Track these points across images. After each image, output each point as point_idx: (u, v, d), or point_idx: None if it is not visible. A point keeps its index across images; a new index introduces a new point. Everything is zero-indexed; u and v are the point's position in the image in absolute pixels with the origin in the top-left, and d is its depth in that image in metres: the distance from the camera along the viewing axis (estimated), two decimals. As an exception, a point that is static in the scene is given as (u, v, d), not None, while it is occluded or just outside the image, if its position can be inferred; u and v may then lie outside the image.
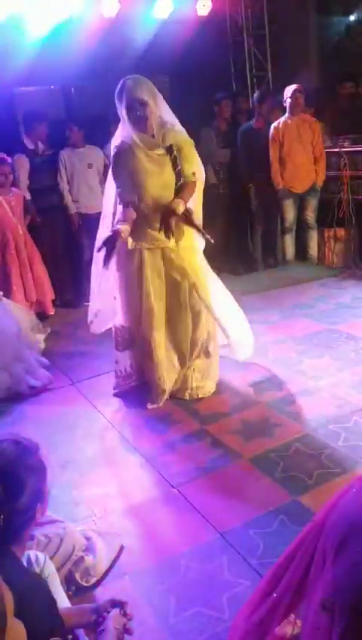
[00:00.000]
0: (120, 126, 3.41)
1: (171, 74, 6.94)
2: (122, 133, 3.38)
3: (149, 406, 3.59)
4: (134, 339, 3.63)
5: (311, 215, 6.23)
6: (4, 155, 4.95)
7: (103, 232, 3.52)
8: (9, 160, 4.97)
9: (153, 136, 3.33)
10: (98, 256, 3.45)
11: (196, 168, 3.50)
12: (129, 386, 3.79)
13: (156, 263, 3.45)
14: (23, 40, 5.65)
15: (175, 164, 3.37)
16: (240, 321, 3.90)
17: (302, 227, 6.33)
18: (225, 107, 6.50)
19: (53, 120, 6.05)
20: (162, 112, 3.36)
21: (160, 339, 3.52)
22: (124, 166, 3.35)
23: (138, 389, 3.78)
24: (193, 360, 3.63)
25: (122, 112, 3.28)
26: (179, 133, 3.41)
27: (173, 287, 3.49)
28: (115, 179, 3.45)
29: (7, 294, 4.87)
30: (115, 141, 3.42)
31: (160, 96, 3.34)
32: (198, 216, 3.60)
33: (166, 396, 3.63)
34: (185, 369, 3.64)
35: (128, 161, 3.34)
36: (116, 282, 3.57)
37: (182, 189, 3.39)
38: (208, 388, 3.68)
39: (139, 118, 3.24)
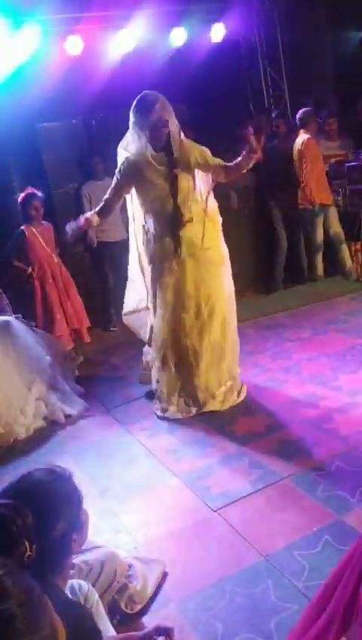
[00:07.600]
0: (129, 137, 3.56)
1: (190, 102, 7.04)
2: (134, 145, 3.54)
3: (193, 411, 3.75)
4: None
5: (338, 228, 6.20)
6: (35, 190, 5.09)
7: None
8: (39, 194, 5.11)
9: (171, 151, 3.46)
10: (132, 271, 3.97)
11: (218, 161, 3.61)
12: (146, 375, 4.14)
13: (182, 270, 3.66)
14: (42, 76, 5.83)
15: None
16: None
17: (332, 243, 6.29)
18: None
19: (76, 153, 6.22)
20: (173, 126, 3.51)
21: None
22: (126, 179, 3.59)
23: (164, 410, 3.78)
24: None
25: (144, 129, 3.43)
26: (191, 143, 3.59)
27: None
28: (113, 182, 3.66)
29: (51, 323, 4.98)
30: (124, 153, 3.60)
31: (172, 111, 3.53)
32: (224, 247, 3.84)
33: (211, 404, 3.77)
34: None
35: (136, 178, 3.55)
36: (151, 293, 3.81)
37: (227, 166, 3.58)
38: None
39: (161, 136, 3.44)
